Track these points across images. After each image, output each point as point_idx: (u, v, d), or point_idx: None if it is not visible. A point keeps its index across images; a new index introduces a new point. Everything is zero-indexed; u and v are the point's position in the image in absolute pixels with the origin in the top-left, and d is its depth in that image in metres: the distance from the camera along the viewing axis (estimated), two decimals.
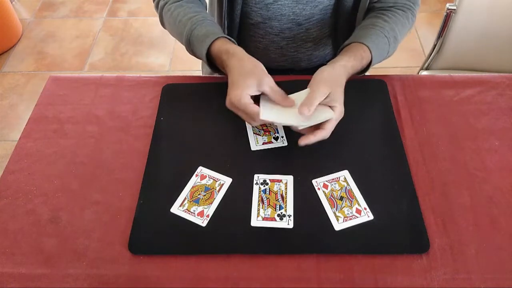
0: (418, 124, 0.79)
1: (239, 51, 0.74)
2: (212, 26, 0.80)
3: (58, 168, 0.74)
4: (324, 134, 0.69)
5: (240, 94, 0.69)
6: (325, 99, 0.68)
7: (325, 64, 1.04)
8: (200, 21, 0.79)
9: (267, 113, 0.70)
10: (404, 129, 0.78)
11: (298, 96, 0.73)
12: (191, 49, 0.82)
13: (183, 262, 0.62)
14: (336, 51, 1.01)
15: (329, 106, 0.70)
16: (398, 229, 0.64)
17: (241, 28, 0.94)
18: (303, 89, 0.75)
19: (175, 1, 0.84)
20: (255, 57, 1.00)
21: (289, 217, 0.66)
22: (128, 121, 0.81)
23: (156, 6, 0.89)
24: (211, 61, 0.79)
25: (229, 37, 0.78)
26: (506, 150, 0.75)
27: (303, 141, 0.69)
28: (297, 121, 0.70)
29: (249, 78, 0.70)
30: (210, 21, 0.81)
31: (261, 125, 0.78)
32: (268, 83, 0.70)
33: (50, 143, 0.78)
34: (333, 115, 0.69)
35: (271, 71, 1.01)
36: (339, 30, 0.93)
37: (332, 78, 0.71)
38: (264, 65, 1.01)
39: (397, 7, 0.85)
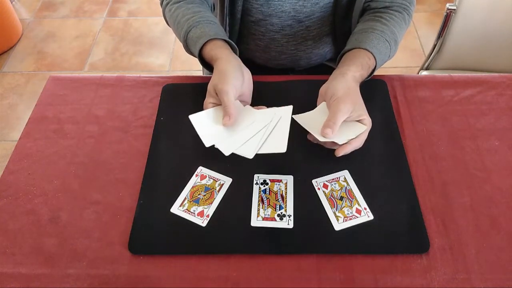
0: (418, 124, 0.79)
1: (226, 54, 0.74)
2: (208, 27, 0.79)
3: (58, 168, 0.74)
4: (358, 143, 0.68)
5: (229, 85, 0.69)
6: (349, 116, 0.68)
7: (325, 64, 1.05)
8: (196, 23, 0.79)
9: (201, 125, 0.70)
10: (404, 129, 0.78)
11: (311, 116, 0.72)
12: (189, 50, 0.82)
13: (183, 262, 0.62)
14: (335, 50, 1.01)
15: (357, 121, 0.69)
16: (398, 229, 0.64)
17: (242, 25, 0.94)
18: (303, 89, 0.75)
19: (176, 2, 0.85)
20: (255, 56, 1.01)
21: (289, 217, 0.66)
22: (128, 121, 0.81)
23: (161, 4, 0.90)
24: (207, 61, 0.79)
25: (223, 38, 0.78)
26: (506, 150, 0.75)
27: (341, 152, 0.67)
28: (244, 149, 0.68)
29: (236, 75, 0.71)
30: (207, 21, 0.80)
31: None
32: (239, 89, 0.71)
33: (50, 143, 0.78)
34: (364, 127, 0.69)
35: (271, 70, 1.02)
36: (338, 29, 0.93)
37: (350, 93, 0.69)
38: (264, 64, 1.02)
39: (393, 8, 0.84)
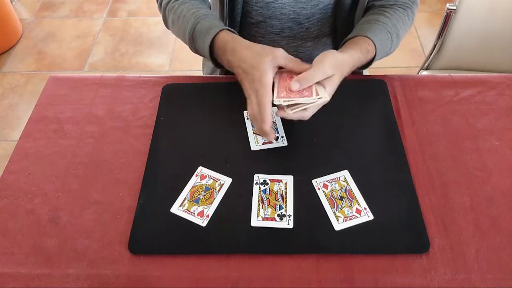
0: (418, 124, 0.79)
1: (241, 39, 0.75)
2: (216, 20, 0.79)
3: (58, 168, 0.74)
4: (305, 114, 0.67)
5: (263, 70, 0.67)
6: (324, 79, 0.67)
7: None
8: (204, 15, 0.79)
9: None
10: (404, 129, 0.78)
11: None
12: (194, 45, 0.81)
13: (183, 262, 0.62)
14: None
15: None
16: (398, 229, 0.64)
17: (242, 27, 0.94)
18: None
19: None
20: None
21: (289, 217, 0.66)
22: (128, 121, 0.81)
23: (160, 6, 0.89)
24: (213, 56, 0.79)
25: (232, 29, 0.78)
26: (506, 150, 0.75)
27: (280, 113, 0.68)
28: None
29: (264, 57, 0.68)
30: (214, 16, 0.81)
31: None
32: (281, 55, 0.68)
33: (50, 143, 0.78)
34: (317, 99, 0.66)
35: None
36: (339, 30, 0.93)
37: (339, 62, 0.70)
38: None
39: (398, 5, 0.86)
